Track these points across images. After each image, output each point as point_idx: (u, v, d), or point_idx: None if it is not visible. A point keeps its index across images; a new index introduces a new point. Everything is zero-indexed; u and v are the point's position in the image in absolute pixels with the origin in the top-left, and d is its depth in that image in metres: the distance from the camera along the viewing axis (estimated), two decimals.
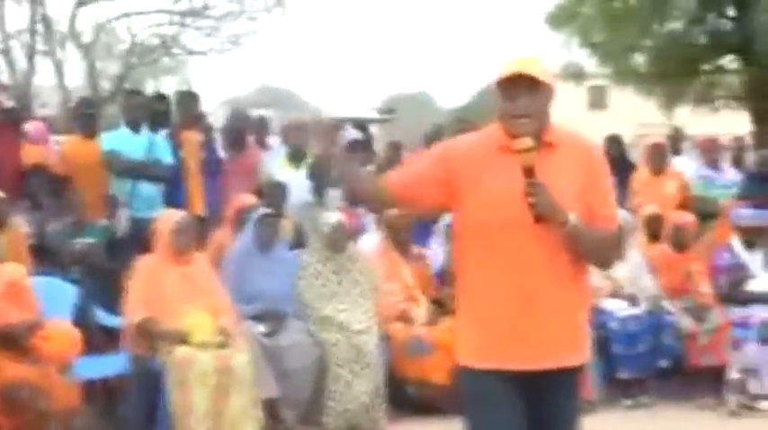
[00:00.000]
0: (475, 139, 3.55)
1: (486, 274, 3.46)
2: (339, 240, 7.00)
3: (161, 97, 8.81)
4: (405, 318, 7.08)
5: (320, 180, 8.26)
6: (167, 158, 7.66)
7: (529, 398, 3.51)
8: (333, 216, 7.12)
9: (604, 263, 3.64)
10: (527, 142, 3.36)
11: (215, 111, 11.01)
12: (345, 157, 3.68)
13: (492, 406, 3.50)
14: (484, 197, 3.42)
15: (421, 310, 7.21)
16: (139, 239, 6.90)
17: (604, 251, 3.56)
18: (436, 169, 3.50)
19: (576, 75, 19.14)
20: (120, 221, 7.37)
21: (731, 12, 16.82)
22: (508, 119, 3.42)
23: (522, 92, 3.38)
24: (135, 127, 7.74)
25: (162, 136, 7.85)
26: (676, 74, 16.88)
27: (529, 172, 3.36)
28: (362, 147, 9.40)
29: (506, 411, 3.49)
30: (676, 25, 16.62)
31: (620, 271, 7.65)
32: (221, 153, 8.40)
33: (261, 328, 6.60)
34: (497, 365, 3.47)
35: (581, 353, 3.61)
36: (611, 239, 3.54)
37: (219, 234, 7.41)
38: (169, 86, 24.20)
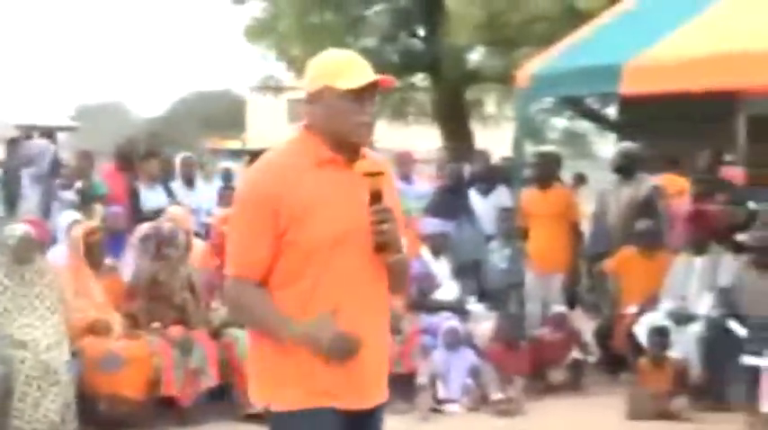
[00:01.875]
0: (284, 161, 3.17)
1: (314, 303, 3.13)
2: (25, 253, 6.72)
3: None
4: (95, 330, 6.87)
5: (10, 190, 7.92)
6: None
7: None
8: (18, 227, 6.82)
9: (402, 291, 3.37)
10: (378, 165, 3.14)
11: None
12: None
13: None
14: (313, 221, 3.11)
15: (113, 325, 7.02)
16: None
17: (407, 279, 3.36)
18: (270, 228, 3.12)
19: (275, 88, 19.33)
20: None
21: (421, 32, 17.53)
22: (356, 128, 3.13)
23: (368, 99, 3.14)
24: None
25: None
26: None
27: (377, 196, 3.10)
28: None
29: None
30: (370, 42, 17.12)
31: None
32: None
33: None
34: (325, 403, 3.16)
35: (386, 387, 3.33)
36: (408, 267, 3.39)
37: None
38: None
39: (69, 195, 8.73)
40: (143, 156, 9.68)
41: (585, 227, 9.28)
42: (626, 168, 8.77)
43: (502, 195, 9.35)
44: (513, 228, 8.58)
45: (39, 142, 10.19)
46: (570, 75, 8.00)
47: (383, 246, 3.12)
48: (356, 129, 3.14)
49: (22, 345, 6.47)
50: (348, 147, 3.16)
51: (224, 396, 7.23)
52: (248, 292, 3.18)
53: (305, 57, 16.38)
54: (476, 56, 16.71)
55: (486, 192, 9.47)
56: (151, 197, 9.07)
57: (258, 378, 3.30)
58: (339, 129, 3.14)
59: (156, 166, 9.39)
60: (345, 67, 3.14)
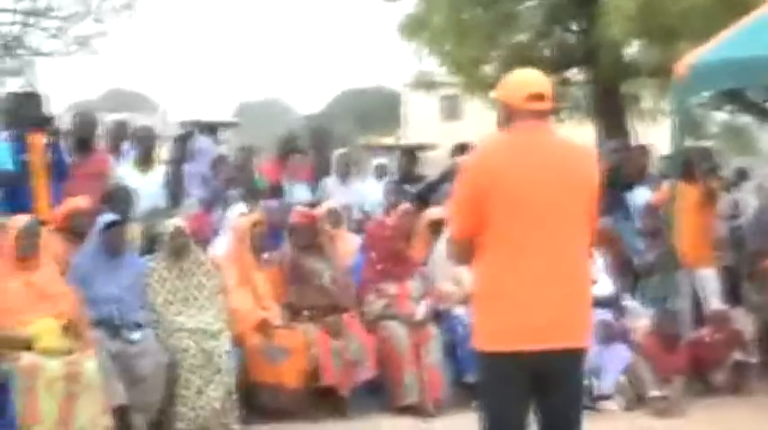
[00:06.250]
0: None
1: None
2: (178, 246, 6.96)
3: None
4: (264, 328, 7.02)
5: (176, 187, 8.21)
6: (6, 164, 7.42)
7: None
8: (171, 222, 7.06)
9: None
10: None
11: (62, 115, 10.77)
12: None
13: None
14: None
15: (274, 316, 7.19)
16: None
17: None
18: None
19: (428, 84, 19.37)
20: None
21: (576, 26, 17.31)
22: None
23: None
24: None
25: (3, 139, 7.61)
26: None
27: None
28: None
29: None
30: (523, 37, 17.00)
31: (467, 275, 7.80)
32: (68, 157, 8.20)
33: (110, 335, 6.47)
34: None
35: None
36: None
37: (50, 238, 7.13)
38: (13, 88, 23.35)
39: (233, 190, 8.99)
40: (306, 151, 9.87)
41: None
42: None
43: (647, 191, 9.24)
44: (658, 225, 8.42)
45: (201, 139, 10.51)
46: (730, 67, 7.78)
47: None
48: None
49: (185, 334, 6.70)
50: None
51: (378, 388, 7.31)
52: None
53: (458, 53, 16.46)
54: (632, 49, 16.40)
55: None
56: (294, 192, 9.24)
57: None
58: None
59: (303, 162, 9.56)
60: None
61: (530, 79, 4.18)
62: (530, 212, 3.99)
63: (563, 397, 4.10)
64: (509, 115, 4.14)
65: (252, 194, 8.66)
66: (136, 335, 6.56)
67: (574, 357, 4.08)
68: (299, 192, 9.25)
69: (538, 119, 4.12)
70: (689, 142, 10.75)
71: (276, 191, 9.08)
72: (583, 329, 4.13)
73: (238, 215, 7.86)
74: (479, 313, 4.10)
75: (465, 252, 4.14)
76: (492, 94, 4.32)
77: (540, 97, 4.13)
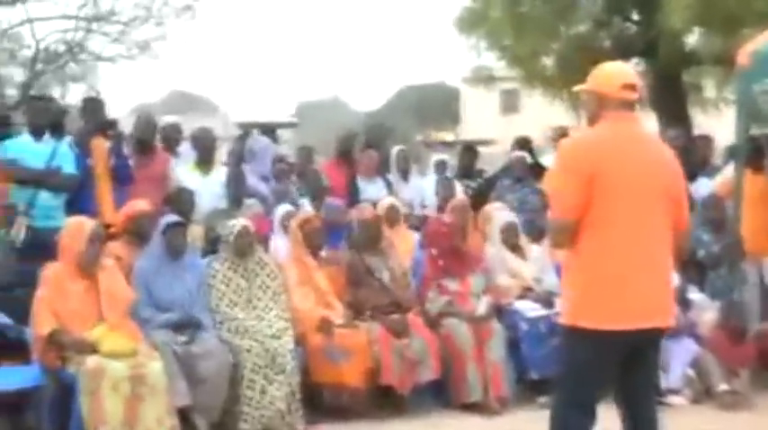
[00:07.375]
0: None
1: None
2: (244, 246, 7.00)
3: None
4: (324, 327, 7.02)
5: (236, 188, 8.26)
6: (70, 167, 7.51)
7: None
8: (236, 222, 7.10)
9: None
10: None
11: (124, 118, 10.88)
12: None
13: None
14: None
15: (336, 315, 7.19)
16: (39, 249, 6.76)
17: None
18: None
19: (486, 79, 19.27)
20: (20, 231, 7.16)
21: (635, 16, 17.10)
22: None
23: None
24: (38, 134, 7.58)
25: (66, 143, 7.70)
26: (583, 77, 16.94)
27: None
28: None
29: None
30: (582, 29, 16.84)
31: (526, 269, 7.76)
32: (131, 160, 8.28)
33: (180, 338, 6.50)
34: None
35: None
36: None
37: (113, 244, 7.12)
38: (77, 93, 23.72)
39: (291, 190, 9.02)
40: (362, 148, 9.88)
41: None
42: None
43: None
44: (723, 216, 8.29)
45: (260, 139, 10.56)
46: None
47: None
48: None
49: (248, 335, 6.74)
50: None
51: (440, 386, 7.27)
52: None
53: (516, 46, 16.35)
54: (693, 38, 16.17)
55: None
56: (369, 189, 9.24)
57: None
58: None
59: (375, 159, 9.55)
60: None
61: (623, 70, 4.49)
62: (630, 198, 4.24)
63: (646, 371, 4.47)
64: (601, 105, 4.38)
65: (316, 193, 8.69)
66: (200, 337, 6.60)
67: (660, 335, 4.46)
68: (374, 190, 9.24)
69: (628, 109, 4.37)
70: (753, 131, 10.55)
71: (352, 188, 9.09)
72: (671, 309, 4.45)
73: (287, 213, 7.90)
74: (582, 292, 4.30)
75: (569, 233, 4.30)
76: (580, 86, 4.52)
77: (632, 87, 4.38)
